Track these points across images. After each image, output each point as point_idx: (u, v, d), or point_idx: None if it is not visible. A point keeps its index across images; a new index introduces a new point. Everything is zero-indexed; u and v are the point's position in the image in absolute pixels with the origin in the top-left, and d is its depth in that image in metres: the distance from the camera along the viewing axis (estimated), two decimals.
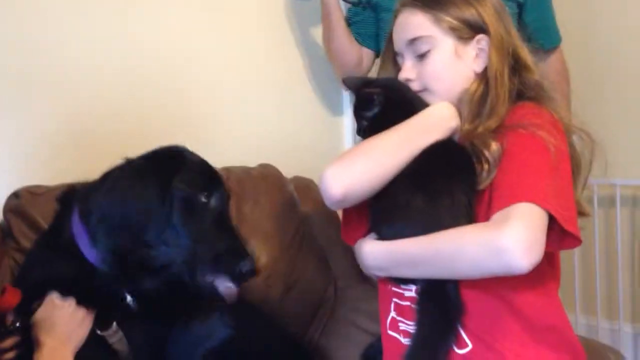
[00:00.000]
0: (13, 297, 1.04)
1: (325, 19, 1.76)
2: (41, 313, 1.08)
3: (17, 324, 1.05)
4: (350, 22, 1.78)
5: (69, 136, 1.52)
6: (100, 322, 1.11)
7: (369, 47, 1.76)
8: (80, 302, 1.09)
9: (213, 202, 1.09)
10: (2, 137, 1.45)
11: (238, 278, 1.05)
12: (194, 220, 1.06)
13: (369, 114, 1.09)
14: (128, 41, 1.63)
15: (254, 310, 1.31)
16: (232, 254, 1.06)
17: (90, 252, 1.08)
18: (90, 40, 1.57)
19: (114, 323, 1.11)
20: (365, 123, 1.10)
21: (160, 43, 1.69)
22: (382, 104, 1.08)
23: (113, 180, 1.08)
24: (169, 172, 1.07)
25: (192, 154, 1.15)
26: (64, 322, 1.07)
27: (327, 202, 1.05)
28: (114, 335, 1.11)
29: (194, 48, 1.76)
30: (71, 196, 1.15)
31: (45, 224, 1.27)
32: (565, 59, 1.86)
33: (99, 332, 1.11)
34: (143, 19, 1.67)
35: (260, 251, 1.46)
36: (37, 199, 1.34)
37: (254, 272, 1.06)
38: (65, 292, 1.09)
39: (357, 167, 1.03)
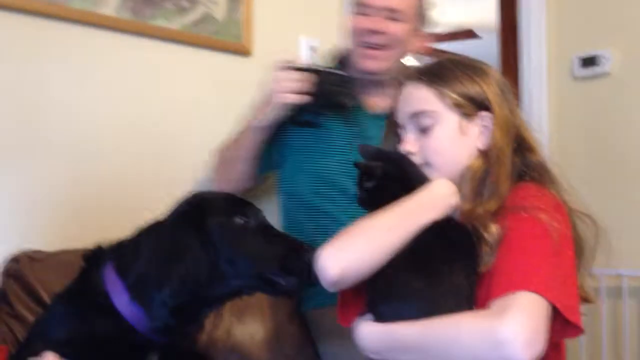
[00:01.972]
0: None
1: (244, 140, 1.53)
2: None
3: None
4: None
5: (70, 201, 1.50)
6: None
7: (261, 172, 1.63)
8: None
9: (252, 221, 1.11)
10: (4, 196, 1.42)
11: (308, 272, 1.05)
12: (241, 243, 1.08)
13: (369, 185, 1.07)
14: (130, 104, 1.63)
15: None
16: (292, 252, 1.08)
17: (128, 309, 1.06)
18: (94, 103, 1.58)
19: None
20: (364, 193, 1.08)
21: (163, 104, 1.70)
22: (380, 177, 1.06)
23: (151, 240, 1.09)
24: (200, 215, 1.09)
25: (212, 192, 1.19)
26: None
27: (324, 284, 1.01)
28: None
29: (193, 106, 1.76)
30: (99, 254, 1.13)
31: (42, 291, 1.24)
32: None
33: None
34: (147, 79, 1.68)
35: (261, 324, 1.41)
36: (36, 264, 1.30)
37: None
38: (92, 349, 1.05)
39: (354, 248, 1.00)
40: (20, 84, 1.46)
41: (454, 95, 1.07)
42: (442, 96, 1.08)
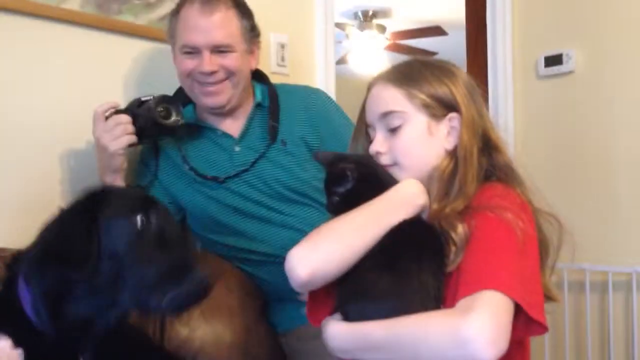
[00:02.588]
0: None
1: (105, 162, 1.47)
2: None
3: None
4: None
5: (21, 198, 1.47)
6: None
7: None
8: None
9: (152, 219, 1.00)
10: None
11: (189, 297, 0.97)
12: (130, 248, 0.97)
13: (341, 189, 1.07)
14: (93, 100, 1.57)
15: None
16: (176, 272, 0.96)
17: (33, 317, 1.01)
18: (43, 95, 1.54)
19: None
20: (336, 199, 1.08)
21: (128, 99, 1.63)
22: (355, 180, 1.06)
23: (41, 232, 1.03)
24: (93, 208, 1.00)
25: (124, 188, 1.14)
26: None
27: (293, 284, 1.01)
28: None
29: None
30: (18, 261, 1.08)
31: None
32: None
33: None
34: (112, 74, 1.66)
35: (227, 326, 1.40)
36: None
37: (204, 289, 0.98)
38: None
39: (324, 248, 1.00)
40: None
41: (423, 96, 1.08)
42: (411, 97, 1.08)
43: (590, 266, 2.17)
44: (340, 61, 4.56)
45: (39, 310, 1.00)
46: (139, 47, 1.68)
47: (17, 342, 1.00)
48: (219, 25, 1.47)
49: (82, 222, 0.99)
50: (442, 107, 1.09)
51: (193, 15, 1.46)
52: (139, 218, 0.99)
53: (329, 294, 1.06)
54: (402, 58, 3.54)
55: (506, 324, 0.90)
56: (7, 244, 1.32)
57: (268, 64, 1.94)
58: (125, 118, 1.42)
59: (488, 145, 1.10)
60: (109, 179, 1.44)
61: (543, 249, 1.05)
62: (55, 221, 1.03)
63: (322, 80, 2.12)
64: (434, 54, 4.56)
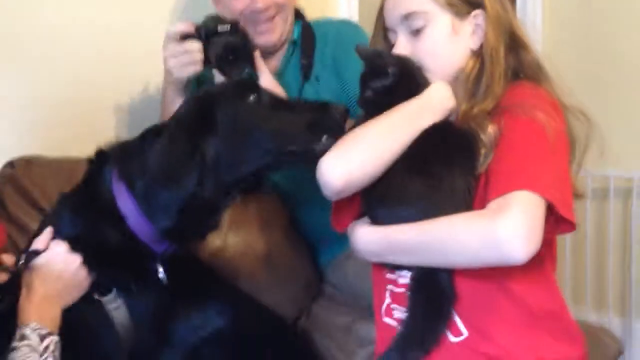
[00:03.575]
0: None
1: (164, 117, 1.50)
2: (43, 259, 1.03)
3: (20, 267, 1.01)
4: None
5: (67, 105, 1.51)
6: (99, 286, 1.08)
7: None
8: (93, 263, 1.06)
9: (264, 97, 1.11)
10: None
11: (340, 126, 1.06)
12: (260, 121, 1.07)
13: (379, 85, 1.04)
14: (131, 7, 1.62)
15: (249, 298, 1.29)
16: (318, 113, 1.07)
17: (133, 217, 1.06)
18: (94, 6, 1.56)
19: (114, 290, 1.08)
20: (370, 94, 1.05)
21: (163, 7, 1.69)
22: (396, 78, 1.04)
23: (157, 144, 1.06)
24: (208, 108, 1.07)
25: (220, 83, 1.21)
26: (63, 276, 1.03)
27: (327, 193, 1.01)
28: (113, 302, 1.08)
29: None
30: (103, 158, 1.12)
31: (40, 196, 1.26)
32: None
33: (96, 296, 1.07)
34: None
35: (257, 238, 1.43)
36: (34, 169, 1.32)
37: (346, 111, 1.07)
38: (92, 252, 1.06)
39: (356, 155, 0.99)
40: None
41: None
42: None
43: (615, 172, 2.14)
44: None
45: (168, 218, 1.04)
46: None
47: (94, 242, 1.06)
48: None
49: (202, 128, 1.05)
50: (466, 4, 1.05)
51: None
52: (252, 97, 1.09)
53: (352, 200, 1.06)
54: None
55: (539, 223, 0.90)
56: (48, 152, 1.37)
57: None
58: (196, 46, 1.35)
59: (515, 43, 1.07)
60: (171, 94, 1.42)
61: (572, 146, 1.03)
62: (168, 132, 1.07)
63: None
64: None
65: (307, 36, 1.57)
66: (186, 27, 1.36)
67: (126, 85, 1.62)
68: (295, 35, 1.58)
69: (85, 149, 1.16)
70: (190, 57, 1.34)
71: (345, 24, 1.71)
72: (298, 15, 1.61)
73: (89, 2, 1.55)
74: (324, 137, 1.04)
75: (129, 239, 1.06)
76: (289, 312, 1.46)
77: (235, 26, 1.37)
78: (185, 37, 1.35)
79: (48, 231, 1.08)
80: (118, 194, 1.07)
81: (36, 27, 1.48)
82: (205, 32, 1.35)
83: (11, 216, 1.28)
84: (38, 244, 1.06)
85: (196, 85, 1.48)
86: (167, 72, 1.39)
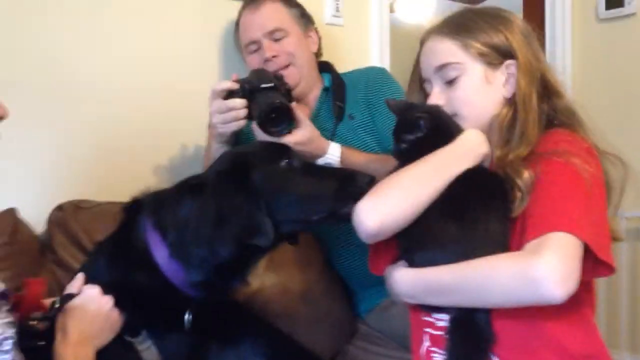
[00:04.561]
0: (37, 286, 1.04)
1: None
2: (77, 302, 1.06)
3: (55, 310, 1.04)
4: None
5: (108, 153, 1.58)
6: (131, 328, 1.10)
7: None
8: (125, 305, 1.09)
9: (295, 162, 1.17)
10: (45, 149, 1.51)
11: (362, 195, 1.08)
12: (291, 185, 1.12)
13: (412, 137, 1.08)
14: (163, 57, 1.69)
15: (285, 337, 1.30)
16: (345, 181, 1.12)
17: (167, 264, 1.10)
18: (127, 56, 1.64)
19: (144, 331, 1.11)
20: (404, 146, 1.09)
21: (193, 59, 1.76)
22: (427, 129, 1.07)
23: (193, 199, 1.11)
24: (243, 169, 1.12)
25: (251, 145, 1.25)
26: (97, 318, 1.05)
27: (362, 237, 1.03)
28: (142, 343, 1.10)
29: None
30: (137, 207, 1.16)
31: (86, 239, 1.30)
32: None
33: (128, 337, 1.10)
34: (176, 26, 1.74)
35: (294, 278, 1.46)
36: (81, 213, 1.37)
37: (373, 180, 1.11)
38: (124, 295, 1.09)
39: (391, 200, 1.01)
40: (52, 37, 1.53)
41: (478, 45, 1.08)
42: (466, 47, 1.08)
43: None
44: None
45: (202, 273, 1.08)
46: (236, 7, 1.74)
47: (127, 286, 1.09)
48: (269, 15, 1.60)
49: (239, 189, 1.09)
50: (498, 54, 1.08)
51: (246, 17, 1.64)
52: (284, 162, 1.15)
53: (388, 244, 1.08)
54: (450, 4, 3.45)
55: (576, 264, 0.91)
56: (84, 196, 1.43)
57: (323, 16, 1.99)
58: (240, 103, 1.40)
59: (547, 90, 1.09)
60: (215, 147, 1.47)
61: (608, 191, 1.04)
62: (205, 189, 1.11)
63: (377, 28, 2.16)
64: None
65: (337, 83, 1.66)
66: (231, 84, 1.42)
67: (171, 134, 1.70)
68: (327, 83, 1.67)
69: (129, 195, 1.21)
70: (235, 114, 1.39)
71: (374, 69, 1.81)
72: (327, 67, 1.72)
73: (142, 54, 1.64)
74: (351, 204, 1.06)
75: (162, 283, 1.10)
76: (325, 351, 1.47)
77: (277, 82, 1.43)
78: (230, 93, 1.40)
79: (80, 276, 1.12)
80: (152, 242, 1.10)
81: (87, 78, 1.56)
82: (250, 89, 1.40)
83: (59, 258, 1.33)
84: (71, 288, 1.09)
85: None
86: (212, 126, 1.45)
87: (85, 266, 1.18)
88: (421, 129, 1.07)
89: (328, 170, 1.21)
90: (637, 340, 2.20)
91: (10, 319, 0.83)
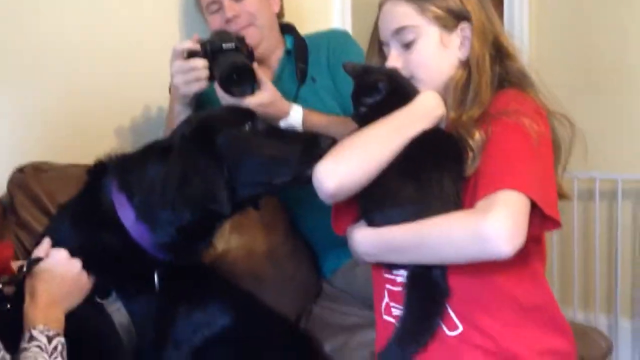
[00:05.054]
0: (4, 250, 1.04)
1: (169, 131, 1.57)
2: (45, 265, 1.06)
3: (22, 274, 1.04)
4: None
5: (68, 115, 1.56)
6: (100, 290, 1.11)
7: None
8: (93, 267, 1.10)
9: (258, 125, 1.17)
10: (4, 111, 1.49)
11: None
12: (255, 148, 1.13)
13: (371, 100, 1.10)
14: (124, 17, 1.67)
15: (251, 297, 1.32)
16: (309, 143, 1.12)
17: (134, 226, 1.10)
18: (89, 16, 1.62)
19: (113, 292, 1.12)
20: (363, 109, 1.11)
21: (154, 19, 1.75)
22: (386, 92, 1.09)
23: (159, 163, 1.11)
24: (208, 133, 1.12)
25: (214, 109, 1.24)
26: (65, 280, 1.06)
27: (322, 197, 1.06)
28: (112, 304, 1.12)
29: None
30: (102, 169, 1.16)
31: (48, 201, 1.30)
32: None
33: (98, 299, 1.11)
34: None
35: (259, 240, 1.48)
36: (42, 175, 1.36)
37: (334, 142, 1.12)
38: (92, 257, 1.10)
39: (350, 161, 1.04)
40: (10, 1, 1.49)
41: (434, 9, 1.10)
42: (422, 11, 1.10)
43: (600, 174, 2.20)
44: None
45: (167, 235, 1.10)
46: None
47: (94, 249, 1.10)
48: None
49: (204, 152, 1.10)
50: (454, 18, 1.11)
51: None
52: (248, 125, 1.16)
53: (350, 205, 1.11)
54: None
55: (523, 221, 0.95)
56: (45, 158, 1.42)
57: None
58: (202, 63, 1.39)
59: (500, 53, 1.12)
60: (177, 109, 1.46)
61: (556, 149, 1.09)
62: (170, 153, 1.11)
63: None
64: None
65: (300, 45, 1.65)
66: (192, 44, 1.41)
67: (133, 96, 1.68)
68: (289, 45, 1.67)
69: (91, 157, 1.21)
70: (196, 74, 1.39)
71: (336, 31, 1.83)
72: (289, 29, 1.70)
73: (101, 15, 1.62)
74: (313, 167, 1.07)
75: (129, 245, 1.11)
76: (290, 312, 1.50)
77: (240, 42, 1.42)
78: (191, 54, 1.39)
79: (47, 240, 1.12)
80: (118, 204, 1.11)
81: (47, 39, 1.53)
82: (211, 49, 1.40)
83: (22, 220, 1.32)
84: (38, 252, 1.09)
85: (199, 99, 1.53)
86: (174, 87, 1.44)
87: (49, 230, 1.18)
88: (381, 92, 1.09)
89: (291, 133, 1.22)
90: (589, 297, 2.31)
91: None
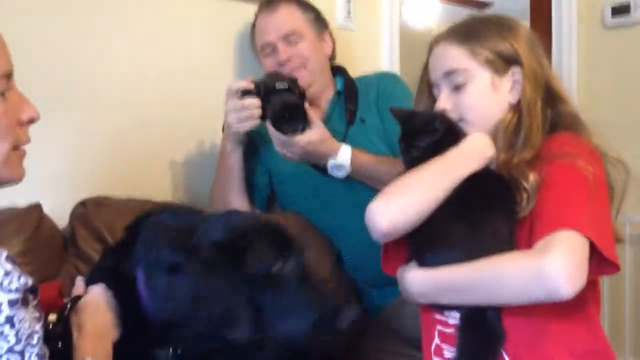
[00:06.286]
0: (51, 290, 1.06)
1: (225, 163, 1.60)
2: (85, 300, 1.06)
3: (67, 310, 1.03)
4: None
5: (128, 151, 1.64)
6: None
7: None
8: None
9: (289, 267, 1.01)
10: (67, 148, 1.56)
11: (343, 331, 0.99)
12: (276, 293, 0.99)
13: (424, 142, 1.11)
14: (175, 53, 1.75)
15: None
16: (331, 310, 0.99)
17: (149, 307, 1.03)
18: (146, 60, 1.70)
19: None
20: (417, 153, 1.12)
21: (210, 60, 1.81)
22: (441, 131, 1.10)
23: (185, 270, 1.00)
24: (241, 254, 1.00)
25: (255, 222, 1.07)
26: (108, 311, 1.05)
27: (375, 236, 1.07)
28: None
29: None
30: (137, 230, 1.10)
31: (108, 235, 1.35)
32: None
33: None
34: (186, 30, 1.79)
35: None
36: (102, 209, 1.42)
37: (357, 320, 1.00)
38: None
39: (402, 200, 1.05)
40: (70, 37, 1.58)
41: (486, 53, 1.12)
42: (473, 54, 1.12)
43: None
44: None
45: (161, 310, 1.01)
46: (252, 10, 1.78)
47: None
48: (284, 18, 1.64)
49: (233, 282, 0.98)
50: (504, 62, 1.12)
51: (262, 20, 1.68)
52: (276, 267, 1.00)
53: (399, 246, 1.12)
54: (455, 9, 3.47)
55: (583, 262, 0.94)
56: (105, 192, 1.49)
57: (334, 19, 2.03)
58: (255, 103, 1.45)
59: (551, 96, 1.13)
60: (229, 146, 1.54)
61: (610, 192, 1.08)
62: (198, 261, 0.99)
63: (387, 32, 2.20)
64: (489, 4, 4.47)
65: (349, 87, 1.70)
66: (246, 83, 1.47)
67: (188, 133, 1.76)
68: (339, 87, 1.71)
69: (146, 192, 1.27)
70: (249, 113, 1.45)
71: (385, 74, 1.86)
72: (340, 70, 1.75)
73: (133, 51, 1.69)
74: (326, 339, 0.98)
75: (142, 319, 1.04)
76: (337, 349, 1.49)
77: (292, 83, 1.47)
78: (245, 93, 1.45)
79: (80, 279, 1.12)
80: (139, 280, 1.05)
81: (113, 75, 1.62)
82: (264, 89, 1.45)
83: (83, 253, 1.38)
84: (76, 290, 1.10)
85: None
86: (227, 125, 1.50)
87: (88, 277, 1.14)
88: (436, 132, 1.10)
89: (319, 289, 1.03)
90: None
91: (37, 314, 0.85)
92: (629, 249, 2.19)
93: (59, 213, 1.45)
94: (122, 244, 1.14)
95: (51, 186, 1.51)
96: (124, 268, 1.09)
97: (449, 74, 1.14)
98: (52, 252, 1.38)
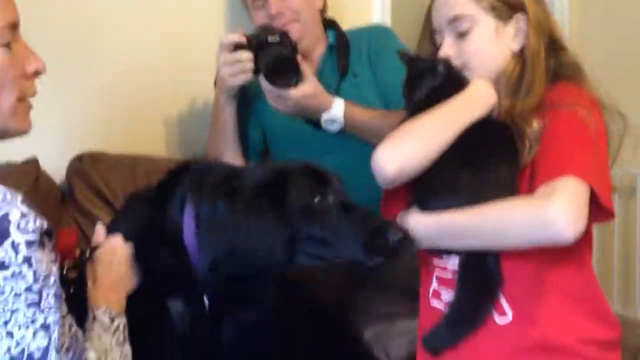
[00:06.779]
0: (69, 236, 1.07)
1: (215, 123, 1.60)
2: (102, 250, 1.09)
3: (84, 259, 1.06)
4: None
5: (122, 106, 1.63)
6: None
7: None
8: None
9: (330, 198, 1.08)
10: (63, 102, 1.55)
11: (396, 254, 1.05)
12: (321, 226, 1.06)
13: (428, 86, 1.11)
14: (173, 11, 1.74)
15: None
16: (376, 232, 1.04)
17: (194, 254, 1.08)
18: (142, 11, 1.70)
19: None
20: (420, 96, 1.12)
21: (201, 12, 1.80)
22: (445, 76, 1.10)
23: (229, 205, 1.06)
24: (281, 192, 1.07)
25: (293, 163, 1.14)
26: (123, 263, 1.08)
27: (380, 181, 1.08)
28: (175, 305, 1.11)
29: None
30: (180, 176, 1.13)
31: (106, 190, 1.36)
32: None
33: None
34: None
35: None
36: (99, 164, 1.42)
37: (406, 239, 1.04)
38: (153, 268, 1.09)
39: (409, 146, 1.06)
40: None
41: None
42: (478, 0, 1.11)
43: None
44: None
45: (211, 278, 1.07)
46: None
47: (152, 261, 1.09)
48: None
49: (277, 219, 1.05)
50: (509, 8, 1.12)
51: None
52: (317, 199, 1.07)
53: (398, 192, 1.13)
54: None
55: (584, 207, 0.97)
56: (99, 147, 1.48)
57: None
58: (247, 56, 1.43)
59: (554, 45, 1.13)
60: (222, 100, 1.52)
61: (607, 143, 1.09)
62: (241, 199, 1.06)
63: None
64: None
65: (341, 40, 1.68)
66: (238, 37, 1.45)
67: (180, 88, 1.74)
68: (331, 40, 1.69)
69: (139, 147, 1.24)
70: (242, 67, 1.43)
71: (377, 27, 1.84)
72: (332, 24, 1.73)
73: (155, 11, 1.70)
74: (375, 260, 1.04)
75: (187, 267, 1.09)
76: (332, 298, 1.50)
77: (284, 37, 1.45)
78: (237, 46, 1.43)
79: (101, 227, 1.15)
80: (187, 229, 1.08)
81: (110, 28, 1.61)
82: (257, 43, 1.43)
83: (81, 207, 1.39)
84: (96, 239, 1.13)
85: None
86: (220, 79, 1.48)
87: (112, 226, 1.17)
88: (439, 75, 1.10)
89: (362, 213, 1.08)
90: (629, 292, 2.28)
91: (54, 257, 0.86)
92: (618, 200, 2.22)
93: (52, 167, 1.44)
94: (158, 193, 1.15)
95: (46, 141, 1.49)
96: (161, 217, 1.11)
97: (453, 20, 1.13)
98: (50, 206, 1.39)
